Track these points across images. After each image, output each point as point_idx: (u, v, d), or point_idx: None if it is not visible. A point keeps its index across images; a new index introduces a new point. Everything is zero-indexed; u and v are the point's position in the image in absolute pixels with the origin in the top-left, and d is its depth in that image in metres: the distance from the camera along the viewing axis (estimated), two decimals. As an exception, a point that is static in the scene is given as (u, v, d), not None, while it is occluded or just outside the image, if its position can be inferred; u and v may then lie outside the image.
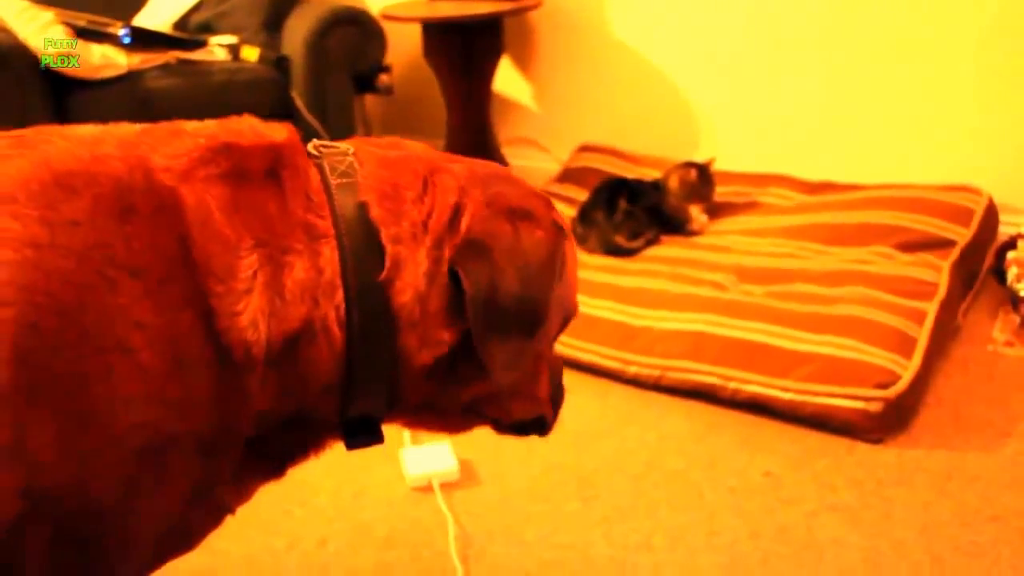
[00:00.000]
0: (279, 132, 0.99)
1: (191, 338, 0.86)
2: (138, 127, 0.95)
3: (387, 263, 0.95)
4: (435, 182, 1.00)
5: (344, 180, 0.96)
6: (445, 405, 1.09)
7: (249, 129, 0.98)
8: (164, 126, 0.96)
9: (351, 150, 1.02)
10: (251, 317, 0.88)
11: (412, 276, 0.95)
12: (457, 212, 0.98)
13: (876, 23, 2.96)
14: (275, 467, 1.05)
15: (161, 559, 0.99)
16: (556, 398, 1.26)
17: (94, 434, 0.82)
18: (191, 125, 0.97)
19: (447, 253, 0.96)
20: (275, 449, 1.03)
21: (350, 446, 1.06)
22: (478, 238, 0.97)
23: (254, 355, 0.89)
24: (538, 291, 0.99)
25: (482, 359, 0.97)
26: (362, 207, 0.95)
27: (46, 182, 0.83)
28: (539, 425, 1.25)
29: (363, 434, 1.05)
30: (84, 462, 0.82)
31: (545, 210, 1.06)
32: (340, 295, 0.93)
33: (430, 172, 1.01)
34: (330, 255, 0.93)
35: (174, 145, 0.91)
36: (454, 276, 0.96)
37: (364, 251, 0.94)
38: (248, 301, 0.88)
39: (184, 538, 1.00)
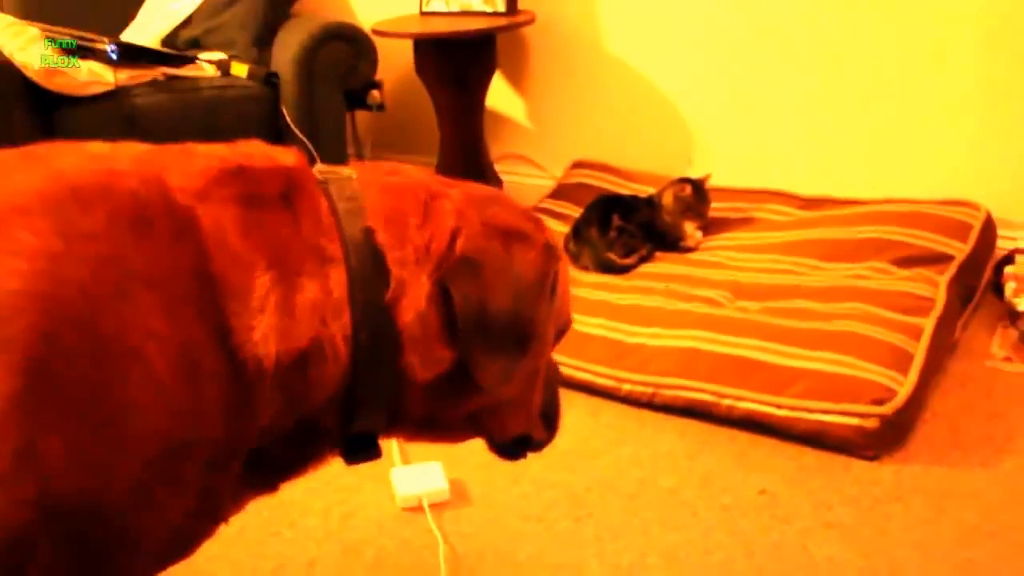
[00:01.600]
0: (288, 156, 1.02)
1: (204, 351, 0.88)
2: (148, 147, 0.98)
3: (392, 285, 0.98)
4: (435, 207, 1.03)
5: (351, 205, 1.00)
6: (445, 419, 1.12)
7: (260, 153, 1.01)
8: (174, 147, 0.98)
9: (354, 175, 1.05)
10: (263, 334, 0.91)
11: (415, 297, 0.99)
12: (455, 236, 1.01)
13: (873, 38, 2.95)
14: (270, 480, 1.07)
15: (160, 566, 1.00)
16: (552, 413, 1.28)
17: (106, 442, 0.83)
18: (202, 148, 0.99)
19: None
20: (273, 462, 1.04)
21: (349, 461, 1.09)
22: (470, 256, 1.00)
23: (264, 370, 0.92)
24: (528, 309, 1.03)
25: (473, 373, 1.01)
26: (368, 232, 0.99)
27: (61, 195, 0.85)
28: (527, 444, 1.27)
29: (362, 449, 1.08)
30: (95, 469, 0.83)
31: (538, 232, 1.09)
32: (347, 315, 0.96)
33: (430, 197, 1.04)
34: (338, 277, 0.96)
35: (188, 166, 0.94)
36: (446, 293, 1.00)
37: (370, 274, 0.97)
38: (261, 319, 0.91)
39: (183, 546, 1.01)
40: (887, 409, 1.97)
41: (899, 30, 2.89)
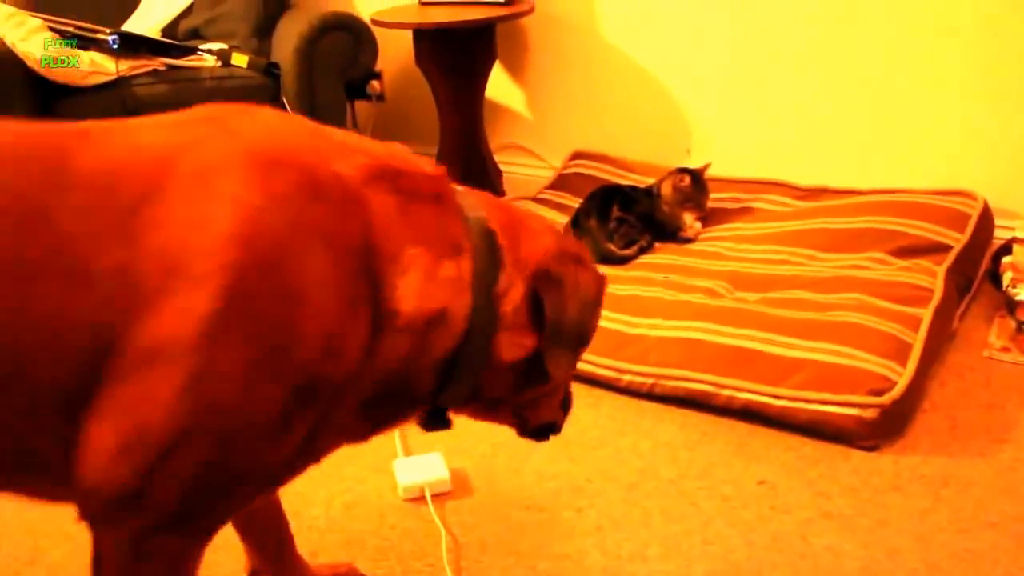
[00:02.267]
0: (429, 164, 1.22)
1: (361, 303, 1.06)
2: (307, 127, 1.15)
3: (503, 281, 1.19)
4: (529, 226, 1.27)
5: (478, 212, 1.21)
6: (506, 402, 1.33)
7: (405, 157, 1.19)
8: (333, 137, 1.15)
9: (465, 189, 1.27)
10: (405, 293, 1.10)
11: (515, 294, 1.20)
12: (545, 253, 1.24)
13: (869, 28, 2.95)
14: (364, 432, 1.23)
15: (255, 497, 1.15)
16: (567, 401, 1.49)
17: (270, 368, 1.00)
18: (354, 140, 1.17)
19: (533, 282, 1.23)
20: (373, 415, 1.19)
21: (426, 428, 1.30)
22: (554, 272, 1.22)
23: (398, 323, 1.10)
24: (589, 319, 1.27)
25: (547, 365, 1.23)
26: (492, 235, 1.20)
27: (259, 160, 1.03)
28: (552, 428, 1.47)
29: (438, 420, 1.29)
30: (255, 390, 1.00)
31: (590, 259, 1.33)
32: (468, 297, 1.15)
33: (522, 218, 1.28)
34: (466, 265, 1.16)
35: (351, 159, 1.11)
36: (535, 299, 1.21)
37: (488, 268, 1.18)
38: (404, 281, 1.10)
39: (282, 475, 1.14)
40: (886, 399, 1.98)
41: (896, 20, 2.89)
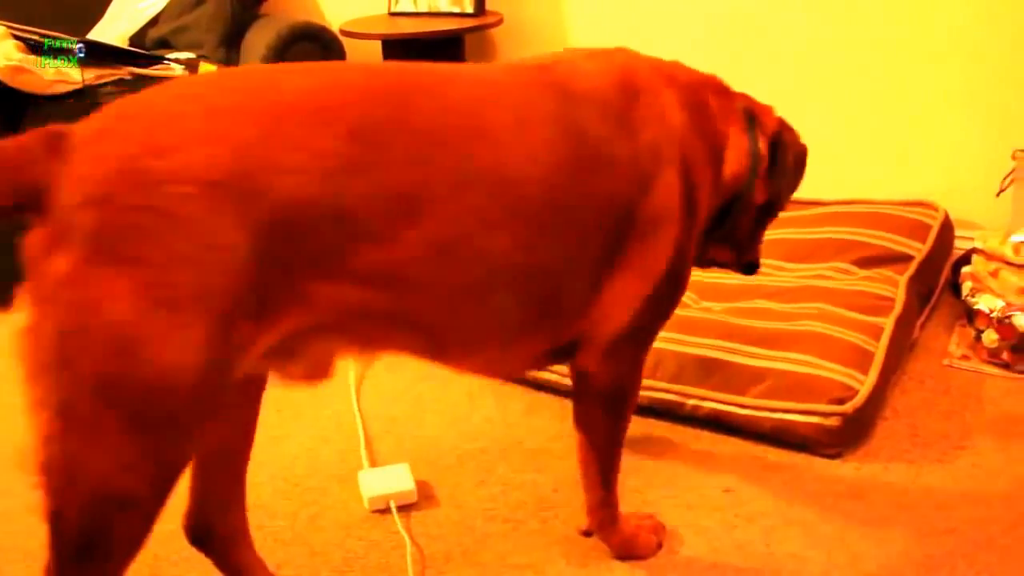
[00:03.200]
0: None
1: (715, 168, 1.58)
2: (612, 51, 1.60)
3: (760, 146, 1.64)
4: (762, 106, 1.70)
5: (744, 101, 1.67)
6: (738, 241, 1.75)
7: (695, 70, 1.64)
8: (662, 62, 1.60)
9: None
10: (729, 163, 1.59)
11: (764, 154, 1.65)
12: (773, 124, 1.69)
13: (833, 41, 2.98)
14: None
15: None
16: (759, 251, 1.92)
17: (695, 225, 1.54)
18: (668, 62, 1.61)
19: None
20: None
21: (701, 264, 1.81)
22: (783, 136, 1.69)
23: (726, 182, 1.61)
24: (800, 169, 1.76)
25: (774, 202, 1.72)
26: (754, 116, 1.65)
27: (665, 78, 1.52)
28: (756, 266, 1.88)
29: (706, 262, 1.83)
30: (694, 239, 1.56)
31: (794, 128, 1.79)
32: (750, 163, 1.62)
33: (755, 101, 1.70)
34: (747, 139, 1.62)
35: (686, 73, 1.60)
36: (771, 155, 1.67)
37: (754, 140, 1.62)
38: (729, 155, 1.60)
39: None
40: (848, 408, 2.00)
41: (861, 35, 2.93)
